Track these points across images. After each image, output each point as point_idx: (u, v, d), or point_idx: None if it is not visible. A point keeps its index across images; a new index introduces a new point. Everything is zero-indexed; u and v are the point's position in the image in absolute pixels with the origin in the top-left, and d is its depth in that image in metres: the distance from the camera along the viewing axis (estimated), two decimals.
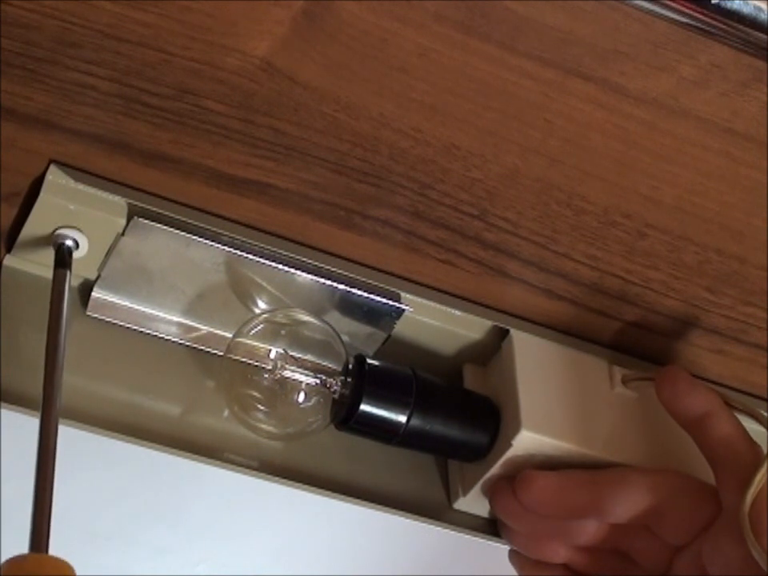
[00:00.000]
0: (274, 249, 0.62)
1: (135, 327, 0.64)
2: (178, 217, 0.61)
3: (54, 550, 0.59)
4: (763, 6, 0.52)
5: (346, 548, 0.66)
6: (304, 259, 0.63)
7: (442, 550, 0.66)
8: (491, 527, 0.67)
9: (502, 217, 0.62)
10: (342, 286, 0.63)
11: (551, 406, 0.63)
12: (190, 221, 0.61)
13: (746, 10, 0.52)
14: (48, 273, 0.63)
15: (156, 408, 0.62)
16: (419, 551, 0.66)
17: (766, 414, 0.64)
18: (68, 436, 0.58)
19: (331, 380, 0.62)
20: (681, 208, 0.62)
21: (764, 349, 0.68)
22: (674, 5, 0.52)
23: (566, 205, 0.62)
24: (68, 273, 0.59)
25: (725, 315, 0.67)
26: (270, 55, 0.56)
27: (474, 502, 0.66)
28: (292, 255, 0.63)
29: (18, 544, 0.58)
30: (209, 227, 0.61)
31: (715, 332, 0.68)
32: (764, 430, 0.62)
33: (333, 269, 0.63)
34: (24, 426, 0.57)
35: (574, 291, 0.66)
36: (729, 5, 0.52)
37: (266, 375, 0.62)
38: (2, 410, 0.57)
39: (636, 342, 0.69)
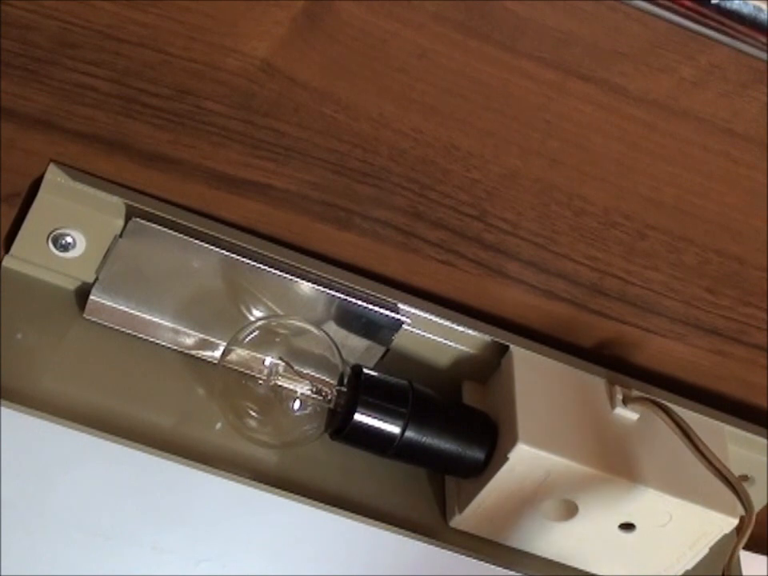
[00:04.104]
0: (273, 255, 0.62)
1: (132, 332, 0.64)
2: (175, 219, 0.61)
3: (54, 549, 0.59)
4: (763, 6, 0.52)
5: (339, 558, 0.65)
6: (303, 267, 0.62)
7: (436, 567, 0.66)
8: (487, 547, 0.66)
9: (501, 217, 0.62)
10: (339, 295, 0.63)
11: (549, 422, 0.63)
12: (188, 223, 0.61)
13: (746, 9, 0.52)
14: (46, 274, 0.63)
15: (151, 416, 0.61)
16: (412, 565, 0.66)
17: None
18: (68, 436, 0.58)
19: (326, 389, 0.62)
20: (681, 209, 0.62)
21: (764, 350, 0.68)
22: (673, 5, 0.52)
23: (566, 205, 0.62)
24: None
25: (725, 316, 0.67)
26: (270, 56, 0.56)
27: (470, 520, 0.65)
28: (291, 262, 0.62)
29: (18, 544, 0.58)
30: (207, 230, 0.61)
31: (715, 333, 0.68)
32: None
33: (331, 277, 0.63)
34: (24, 426, 0.57)
35: (573, 292, 0.66)
36: (729, 5, 0.52)
37: (261, 383, 0.62)
38: (2, 410, 0.57)
39: (635, 344, 0.69)
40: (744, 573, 0.70)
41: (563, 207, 0.62)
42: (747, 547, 0.63)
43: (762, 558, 0.73)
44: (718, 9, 0.52)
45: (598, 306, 0.67)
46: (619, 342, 0.69)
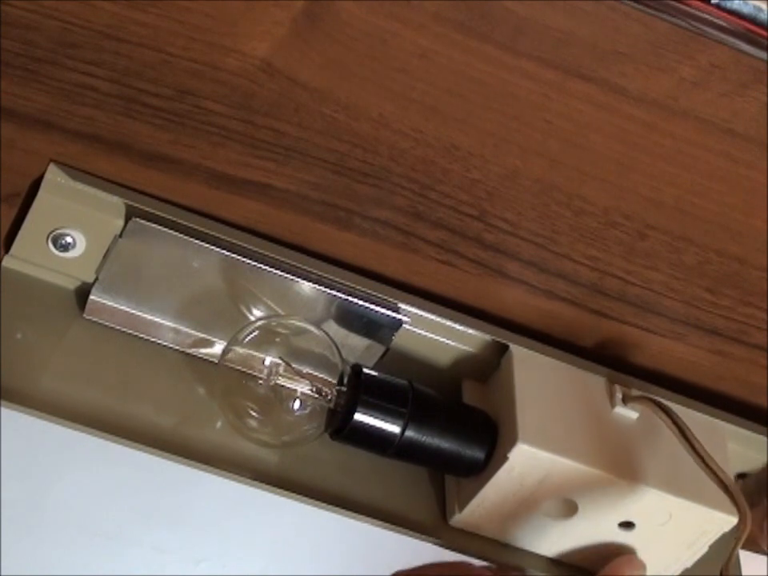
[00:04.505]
0: (273, 255, 0.62)
1: (132, 332, 0.64)
2: (175, 219, 0.61)
3: (54, 549, 0.59)
4: (763, 5, 0.52)
5: (339, 558, 0.65)
6: (303, 267, 0.62)
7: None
8: (486, 546, 0.66)
9: (501, 217, 0.62)
10: (340, 295, 0.63)
11: (549, 421, 0.63)
12: (188, 223, 0.61)
13: (746, 9, 0.52)
14: (46, 274, 0.63)
15: (151, 416, 0.61)
16: (412, 564, 0.66)
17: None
18: (68, 436, 0.58)
19: (326, 389, 0.62)
20: (681, 209, 0.62)
21: (764, 350, 0.68)
22: (674, 5, 0.52)
23: (566, 205, 0.62)
24: None
25: (725, 316, 0.67)
26: (270, 56, 0.56)
27: (469, 519, 0.65)
28: (291, 262, 0.62)
29: (18, 544, 0.58)
30: (207, 230, 0.61)
31: (715, 333, 0.68)
32: None
33: (331, 277, 0.63)
34: (24, 426, 0.57)
35: (573, 292, 0.66)
36: (728, 5, 0.52)
37: (261, 383, 0.62)
38: (2, 410, 0.57)
39: (635, 344, 0.69)
40: (744, 573, 0.70)
41: (563, 207, 0.62)
42: (747, 547, 0.63)
43: (762, 558, 0.73)
44: (718, 9, 0.52)
45: (598, 306, 0.67)
46: (619, 342, 0.69)
